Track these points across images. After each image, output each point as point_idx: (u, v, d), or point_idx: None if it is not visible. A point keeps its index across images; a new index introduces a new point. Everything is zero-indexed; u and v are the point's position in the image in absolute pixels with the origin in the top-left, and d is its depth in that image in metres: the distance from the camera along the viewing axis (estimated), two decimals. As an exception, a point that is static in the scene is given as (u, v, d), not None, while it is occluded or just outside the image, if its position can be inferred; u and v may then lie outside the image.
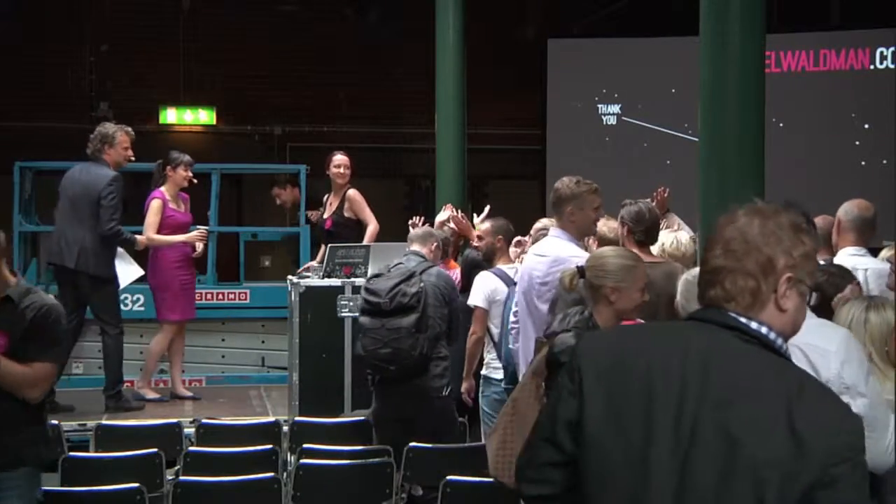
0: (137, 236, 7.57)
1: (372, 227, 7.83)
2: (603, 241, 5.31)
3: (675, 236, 5.23)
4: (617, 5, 12.24)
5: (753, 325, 1.99)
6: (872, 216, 4.92)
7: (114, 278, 7.39)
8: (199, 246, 7.89)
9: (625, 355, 2.02)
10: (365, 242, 7.58)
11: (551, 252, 4.83)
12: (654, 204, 5.67)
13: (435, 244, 5.98)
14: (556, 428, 2.03)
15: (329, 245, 7.46)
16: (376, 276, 5.71)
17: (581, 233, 4.95)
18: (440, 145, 9.19)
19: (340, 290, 6.96)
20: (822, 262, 4.11)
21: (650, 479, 1.90)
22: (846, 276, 3.91)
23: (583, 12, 12.82)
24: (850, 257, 4.69)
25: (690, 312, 2.11)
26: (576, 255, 4.61)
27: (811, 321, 2.71)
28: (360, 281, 6.99)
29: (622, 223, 4.96)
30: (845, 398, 2.66)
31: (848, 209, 4.91)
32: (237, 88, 13.02)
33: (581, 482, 1.99)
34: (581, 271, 4.00)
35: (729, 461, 1.86)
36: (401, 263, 5.72)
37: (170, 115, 13.22)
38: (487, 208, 6.97)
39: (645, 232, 4.92)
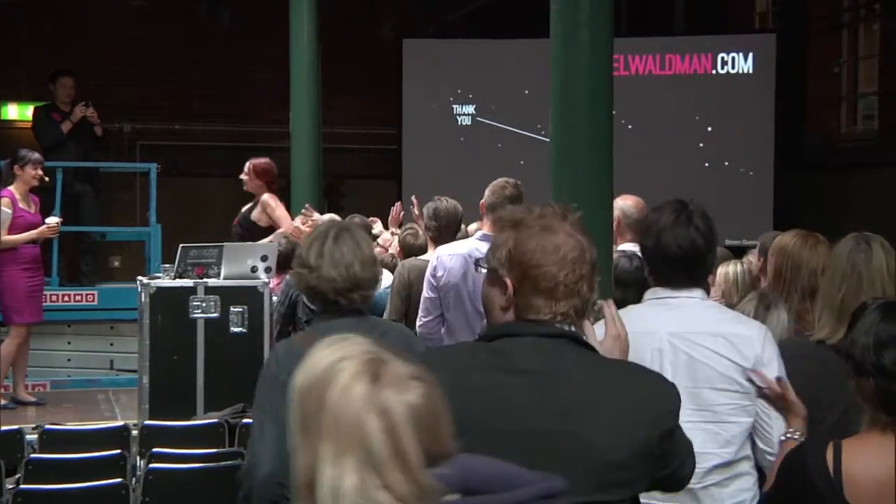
0: None
1: (283, 228, 7.34)
2: None
3: None
4: (471, 6, 12.36)
5: (557, 324, 2.07)
6: (646, 216, 5.14)
7: None
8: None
9: (451, 400, 1.75)
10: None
11: None
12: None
13: None
14: None
15: (181, 245, 7.28)
16: None
17: None
18: (295, 144, 9.11)
19: (193, 290, 6.84)
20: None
21: None
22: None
23: (438, 13, 12.91)
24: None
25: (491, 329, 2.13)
26: None
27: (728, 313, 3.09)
28: (212, 281, 6.89)
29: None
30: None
31: (628, 211, 5.09)
32: (84, 84, 12.59)
33: None
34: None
35: (577, 454, 1.95)
36: None
37: (11, 111, 12.71)
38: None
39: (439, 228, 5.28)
